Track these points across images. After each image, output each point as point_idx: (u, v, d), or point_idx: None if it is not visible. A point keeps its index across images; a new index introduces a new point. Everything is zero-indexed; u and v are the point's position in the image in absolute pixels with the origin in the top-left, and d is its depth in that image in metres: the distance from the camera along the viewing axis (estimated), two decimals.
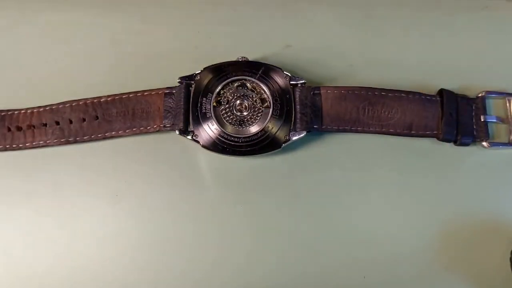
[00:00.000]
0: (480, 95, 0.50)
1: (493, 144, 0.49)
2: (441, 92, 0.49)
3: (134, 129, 0.47)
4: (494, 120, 0.49)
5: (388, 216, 0.46)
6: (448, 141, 0.48)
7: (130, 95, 0.47)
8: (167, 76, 0.47)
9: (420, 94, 0.48)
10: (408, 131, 0.48)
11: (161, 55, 0.49)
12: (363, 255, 0.45)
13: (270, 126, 0.45)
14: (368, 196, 0.47)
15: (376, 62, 0.50)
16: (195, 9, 0.50)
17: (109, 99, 0.47)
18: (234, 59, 0.47)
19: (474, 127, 0.48)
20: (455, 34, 0.51)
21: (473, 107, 0.49)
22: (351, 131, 0.47)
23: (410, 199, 0.47)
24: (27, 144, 0.48)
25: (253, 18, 0.50)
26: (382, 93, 0.47)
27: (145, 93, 0.47)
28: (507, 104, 0.50)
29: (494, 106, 0.49)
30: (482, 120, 0.49)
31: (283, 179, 0.47)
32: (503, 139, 0.49)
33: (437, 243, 0.45)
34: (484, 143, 0.49)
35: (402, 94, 0.48)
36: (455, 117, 0.47)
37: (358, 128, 0.47)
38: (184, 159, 0.48)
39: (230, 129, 0.46)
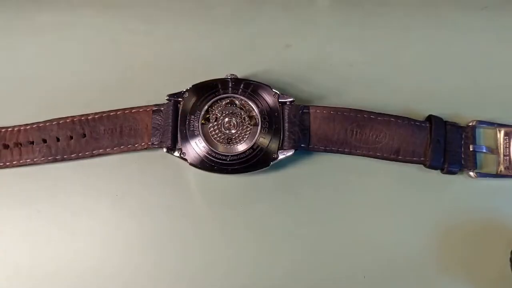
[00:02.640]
0: (470, 124, 0.48)
1: (480, 175, 0.48)
2: (430, 118, 0.48)
3: (122, 146, 0.46)
4: (483, 150, 0.48)
5: (377, 227, 0.47)
6: (435, 168, 0.47)
7: (118, 112, 0.47)
8: (167, 78, 0.48)
9: (409, 119, 0.47)
10: (395, 156, 0.47)
11: (159, 54, 0.49)
12: (361, 261, 0.46)
13: (258, 144, 0.45)
14: (355, 214, 0.47)
15: (368, 80, 0.49)
16: (193, 8, 0.51)
17: (96, 116, 0.47)
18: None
19: (462, 156, 0.47)
20: (451, 58, 0.50)
21: (463, 136, 0.47)
22: (338, 152, 0.46)
23: (394, 219, 0.47)
24: (14, 162, 0.47)
25: (253, 19, 0.50)
26: (371, 116, 0.46)
27: (133, 110, 0.46)
28: (498, 135, 0.48)
29: (484, 135, 0.48)
30: (470, 149, 0.47)
31: (272, 196, 0.47)
32: (490, 169, 0.48)
33: (434, 248, 0.46)
34: (471, 173, 0.48)
35: (391, 119, 0.47)
36: (443, 145, 0.46)
37: (345, 150, 0.46)
38: (172, 176, 0.48)
39: (218, 147, 0.46)
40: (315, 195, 0.47)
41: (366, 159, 0.47)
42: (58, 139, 0.46)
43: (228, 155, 0.45)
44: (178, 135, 0.45)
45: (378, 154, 0.46)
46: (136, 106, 0.47)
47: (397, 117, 0.47)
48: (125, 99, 0.48)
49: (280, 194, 0.47)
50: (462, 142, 0.47)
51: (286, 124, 0.46)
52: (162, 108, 0.46)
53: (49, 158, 0.46)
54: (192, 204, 0.47)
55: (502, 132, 0.48)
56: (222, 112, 0.46)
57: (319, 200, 0.47)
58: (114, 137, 0.46)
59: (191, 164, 0.45)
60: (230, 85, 0.46)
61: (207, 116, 0.46)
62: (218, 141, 0.46)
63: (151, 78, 0.49)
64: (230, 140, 0.46)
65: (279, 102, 0.46)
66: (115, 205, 0.47)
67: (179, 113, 0.46)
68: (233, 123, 0.46)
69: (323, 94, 0.49)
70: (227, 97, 0.46)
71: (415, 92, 0.49)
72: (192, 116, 0.45)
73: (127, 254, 0.46)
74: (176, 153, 0.46)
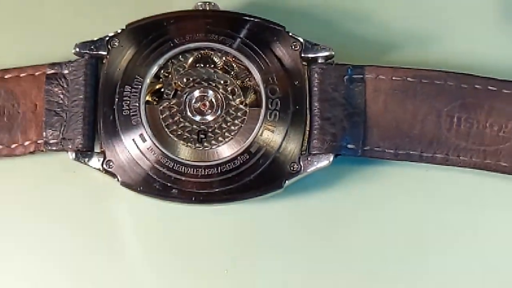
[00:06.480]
0: None
1: None
2: None
3: None
4: None
5: None
6: None
7: None
8: (77, 12, 0.40)
9: None
10: None
11: None
12: None
13: (261, 143, 0.37)
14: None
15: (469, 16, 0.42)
16: None
17: None
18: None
19: None
20: None
21: None
22: (422, 160, 0.38)
23: None
24: None
25: None
26: (490, 87, 0.38)
27: (7, 76, 0.38)
28: None
29: None
30: None
31: (283, 243, 0.38)
32: None
33: None
34: None
35: None
36: None
37: (437, 155, 0.38)
38: (86, 207, 0.38)
39: (179, 149, 0.37)
40: (375, 248, 0.38)
41: (478, 174, 0.38)
42: None
43: (201, 167, 0.36)
44: (99, 125, 0.37)
45: (503, 163, 0.38)
46: (13, 66, 0.39)
47: None
48: None
49: (303, 246, 0.38)
50: None
51: (318, 104, 0.37)
52: (66, 71, 0.38)
53: None
54: (128, 270, 0.37)
55: None
56: (187, 79, 0.38)
57: (384, 257, 0.38)
58: None
59: (124, 184, 0.36)
60: (204, 25, 0.38)
61: (158, 87, 0.38)
62: (179, 137, 0.37)
63: (46, 9, 0.41)
64: (204, 137, 0.38)
65: (303, 60, 0.38)
66: None
67: (101, 82, 0.37)
68: (210, 101, 0.37)
69: (379, 46, 0.41)
70: (197, 49, 0.38)
71: None
72: (128, 88, 0.37)
73: None
74: (95, 162, 0.37)
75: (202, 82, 0.38)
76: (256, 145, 0.37)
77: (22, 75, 0.38)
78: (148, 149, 0.37)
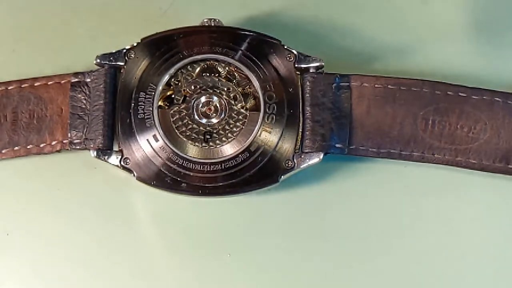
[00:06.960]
0: None
1: None
2: None
3: (15, 148, 0.40)
4: None
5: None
6: None
7: (9, 88, 0.40)
8: (98, 27, 0.42)
9: None
10: (502, 164, 0.40)
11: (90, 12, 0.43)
12: None
13: (260, 143, 0.39)
14: (432, 264, 0.40)
15: (449, 29, 0.43)
16: None
17: None
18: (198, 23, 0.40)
19: None
20: None
21: None
22: (400, 157, 0.40)
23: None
24: None
25: None
26: (461, 93, 0.40)
27: (37, 84, 0.40)
28: None
29: None
30: None
31: (283, 236, 0.40)
32: None
33: None
34: None
35: (496, 98, 0.40)
36: None
37: (414, 153, 0.40)
38: (105, 200, 0.40)
39: (187, 148, 0.39)
40: (360, 235, 0.40)
41: (450, 169, 0.40)
42: None
43: (206, 163, 0.38)
44: (117, 127, 0.39)
45: (472, 161, 0.40)
46: (42, 75, 0.41)
47: (507, 95, 0.40)
48: (22, 62, 0.42)
49: (297, 233, 0.40)
50: None
51: (309, 108, 0.39)
52: (89, 80, 0.40)
53: None
54: (143, 255, 0.40)
55: None
56: (194, 86, 0.39)
57: (368, 242, 0.40)
58: (3, 130, 0.40)
59: (139, 178, 0.38)
60: (209, 39, 0.40)
61: (168, 93, 0.40)
62: (188, 137, 0.39)
63: (70, 25, 0.43)
64: (209, 137, 0.40)
65: (297, 69, 0.39)
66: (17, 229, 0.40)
67: (119, 89, 0.39)
68: (215, 106, 0.39)
69: (363, 57, 0.43)
70: (203, 60, 0.39)
71: None
72: (142, 94, 0.39)
73: None
74: (113, 159, 0.39)
75: (208, 89, 0.40)
76: (255, 145, 0.39)
77: (49, 83, 0.40)
78: (160, 148, 0.38)
